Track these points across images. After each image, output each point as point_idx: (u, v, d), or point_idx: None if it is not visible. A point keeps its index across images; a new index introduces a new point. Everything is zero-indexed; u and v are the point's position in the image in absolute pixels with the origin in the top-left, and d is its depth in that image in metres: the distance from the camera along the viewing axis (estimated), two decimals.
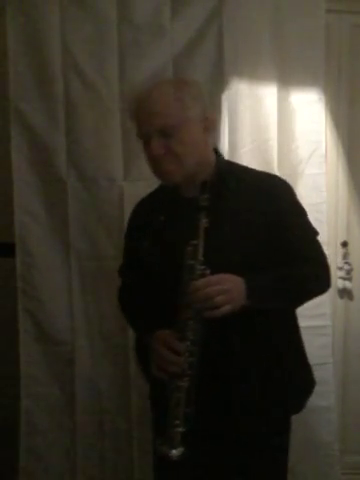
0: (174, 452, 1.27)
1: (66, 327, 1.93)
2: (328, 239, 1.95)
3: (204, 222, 1.23)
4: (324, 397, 1.96)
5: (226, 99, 1.88)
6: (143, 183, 1.87)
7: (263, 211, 1.31)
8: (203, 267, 1.23)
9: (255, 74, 1.90)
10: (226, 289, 1.22)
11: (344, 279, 2.23)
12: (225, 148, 1.90)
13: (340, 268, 2.21)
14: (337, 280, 2.20)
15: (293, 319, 1.45)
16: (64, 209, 1.90)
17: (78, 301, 1.94)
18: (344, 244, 2.22)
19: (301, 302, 1.41)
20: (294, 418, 1.48)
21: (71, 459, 1.97)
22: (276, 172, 1.93)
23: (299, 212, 1.42)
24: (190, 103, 1.31)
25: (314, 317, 1.92)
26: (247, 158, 1.87)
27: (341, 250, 2.21)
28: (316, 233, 1.43)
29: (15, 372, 1.92)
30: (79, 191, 1.90)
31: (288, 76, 1.93)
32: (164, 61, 1.87)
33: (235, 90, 1.89)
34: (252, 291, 1.25)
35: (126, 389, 1.95)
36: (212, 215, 1.24)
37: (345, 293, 2.26)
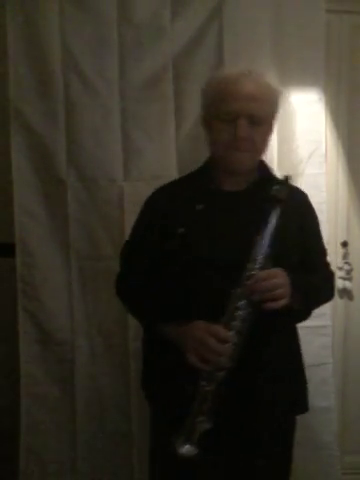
0: (191, 451, 1.23)
1: (66, 327, 1.93)
2: (328, 239, 1.95)
3: (275, 215, 1.24)
4: (324, 397, 1.96)
5: None
6: (143, 183, 1.89)
7: (298, 215, 1.40)
8: (264, 259, 1.24)
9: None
10: (284, 283, 1.25)
11: (344, 279, 2.23)
12: None
13: (340, 268, 2.21)
14: (337, 280, 2.20)
15: None
16: (64, 209, 1.90)
17: (78, 301, 1.94)
18: (344, 244, 2.22)
19: (317, 306, 1.48)
20: None
21: (71, 459, 1.97)
22: (276, 172, 1.93)
23: (318, 223, 1.52)
24: (278, 103, 1.38)
25: (314, 317, 1.89)
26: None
27: (341, 250, 2.21)
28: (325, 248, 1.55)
29: (15, 372, 1.92)
30: (79, 191, 1.90)
31: (288, 76, 1.93)
32: (164, 61, 1.87)
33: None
34: (294, 290, 1.28)
35: (126, 389, 1.95)
36: (258, 210, 1.27)
37: (345, 293, 2.26)
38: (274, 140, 1.93)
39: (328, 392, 1.98)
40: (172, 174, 1.90)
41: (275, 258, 1.26)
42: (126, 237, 1.88)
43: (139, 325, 1.91)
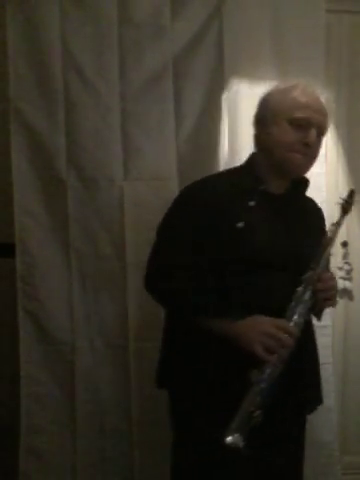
0: (241, 441, 1.22)
1: (66, 327, 1.93)
2: None
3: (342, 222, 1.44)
4: (324, 397, 1.96)
5: (226, 99, 1.89)
6: (143, 183, 1.89)
7: (317, 218, 1.58)
8: (327, 262, 1.42)
9: (255, 74, 1.90)
10: (336, 286, 1.44)
11: (344, 279, 2.23)
12: (225, 148, 1.91)
13: (340, 268, 2.21)
14: (337, 280, 2.19)
15: None
16: (64, 209, 1.90)
17: (78, 301, 1.93)
18: (344, 244, 2.21)
19: None
20: None
21: (71, 459, 1.96)
22: None
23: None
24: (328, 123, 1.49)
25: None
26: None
27: (341, 250, 2.21)
28: None
29: (15, 372, 1.92)
30: (79, 191, 1.90)
31: (288, 76, 1.92)
32: (164, 61, 1.87)
33: (235, 90, 1.89)
34: None
35: (126, 389, 1.95)
36: (295, 212, 1.46)
37: (345, 293, 2.26)
38: None
39: (328, 392, 1.97)
40: (172, 174, 1.90)
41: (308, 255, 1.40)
42: (126, 237, 1.90)
43: (139, 325, 1.93)
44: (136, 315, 1.93)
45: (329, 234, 1.42)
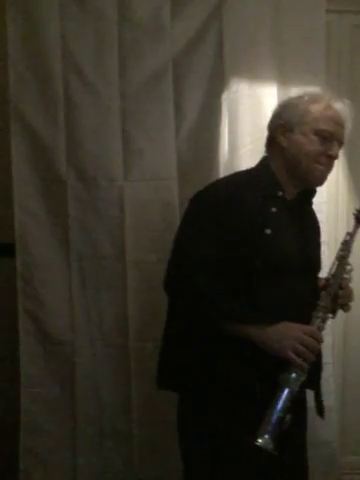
0: (270, 444, 1.25)
1: (66, 327, 1.93)
2: (328, 239, 1.95)
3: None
4: (324, 397, 1.96)
5: (226, 99, 1.89)
6: (143, 183, 1.89)
7: (316, 221, 1.61)
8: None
9: (255, 74, 1.90)
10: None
11: None
12: (225, 148, 1.91)
13: None
14: None
15: None
16: (64, 209, 1.90)
17: (78, 301, 1.94)
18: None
19: None
20: None
21: (71, 459, 1.97)
22: None
23: None
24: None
25: None
26: (247, 158, 1.86)
27: None
28: None
29: (15, 372, 1.92)
30: (79, 191, 1.90)
31: (288, 76, 1.93)
32: (164, 61, 1.87)
33: (235, 90, 1.89)
34: None
35: (126, 389, 1.95)
36: (305, 218, 1.52)
37: None
38: None
39: (328, 392, 1.97)
40: (172, 174, 1.90)
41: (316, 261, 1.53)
42: (126, 237, 1.90)
43: (139, 325, 1.92)
44: (136, 315, 1.93)
45: (345, 244, 1.46)
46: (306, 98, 1.48)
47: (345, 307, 1.48)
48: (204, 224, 1.39)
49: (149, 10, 1.85)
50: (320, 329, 1.37)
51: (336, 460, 2.05)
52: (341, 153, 2.15)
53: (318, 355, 1.43)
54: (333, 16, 2.07)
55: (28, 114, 1.86)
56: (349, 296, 1.47)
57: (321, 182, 1.49)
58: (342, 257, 1.44)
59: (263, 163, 1.51)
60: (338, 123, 1.44)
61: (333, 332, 2.05)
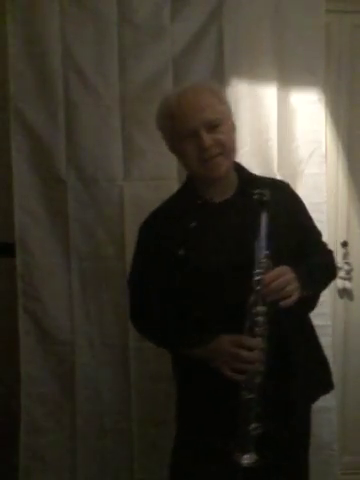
0: (251, 458, 1.27)
1: (66, 327, 1.93)
2: (328, 239, 1.95)
3: (265, 216, 1.29)
4: (324, 397, 1.96)
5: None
6: (143, 183, 1.89)
7: (287, 211, 1.43)
8: (267, 261, 1.29)
9: (255, 74, 1.90)
10: (291, 278, 1.30)
11: (344, 279, 2.23)
12: None
13: (340, 268, 2.21)
14: (337, 280, 2.20)
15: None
16: (64, 209, 1.90)
17: (78, 301, 1.94)
18: (344, 244, 2.22)
19: (326, 286, 1.57)
20: None
21: (71, 459, 1.97)
22: (276, 172, 1.93)
23: (305, 208, 1.56)
24: (223, 100, 1.42)
25: (314, 317, 1.90)
26: (247, 158, 1.86)
27: (341, 250, 2.21)
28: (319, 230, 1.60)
29: (15, 372, 1.92)
30: (79, 191, 1.90)
31: (288, 76, 1.93)
32: (164, 61, 1.87)
33: (235, 90, 1.89)
34: (302, 279, 1.33)
35: (126, 389, 1.95)
36: (250, 214, 1.32)
37: (345, 293, 2.26)
38: (274, 140, 1.94)
39: None
40: (172, 174, 1.90)
41: (276, 254, 1.30)
42: (126, 237, 1.90)
43: None
44: None
45: (256, 236, 1.30)
46: (159, 112, 1.44)
47: (286, 301, 1.29)
48: (136, 256, 1.49)
49: (149, 10, 1.85)
50: (263, 335, 1.28)
51: (336, 460, 2.05)
52: (341, 152, 2.20)
53: (304, 353, 1.40)
54: (333, 16, 2.07)
55: (28, 114, 1.86)
56: (278, 291, 1.28)
57: (219, 173, 1.37)
58: (257, 251, 1.30)
59: (187, 175, 1.50)
60: (191, 112, 1.34)
61: (333, 332, 2.06)
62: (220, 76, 1.88)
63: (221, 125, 1.36)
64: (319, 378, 1.51)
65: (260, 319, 1.27)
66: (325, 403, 1.97)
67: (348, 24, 2.13)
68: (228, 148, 1.37)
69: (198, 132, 1.33)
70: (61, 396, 1.95)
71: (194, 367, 1.39)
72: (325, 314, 1.99)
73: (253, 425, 1.27)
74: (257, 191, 1.30)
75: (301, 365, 1.41)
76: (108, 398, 1.97)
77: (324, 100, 1.97)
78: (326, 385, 1.55)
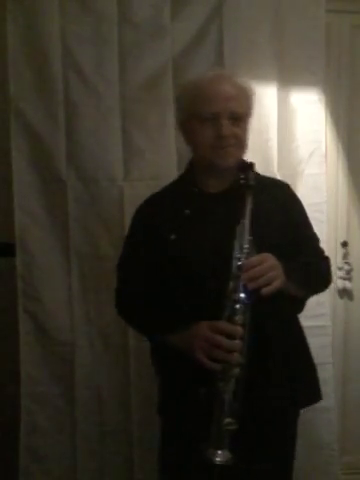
0: (226, 456, 1.20)
1: (66, 327, 1.93)
2: (328, 239, 1.95)
3: (250, 201, 1.29)
4: (324, 397, 1.96)
5: None
6: (143, 183, 1.89)
7: (283, 209, 1.42)
8: (249, 247, 1.26)
9: (255, 74, 1.90)
10: (274, 265, 1.27)
11: (344, 279, 2.23)
12: None
13: (340, 268, 2.21)
14: (337, 280, 2.20)
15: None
16: (64, 209, 1.90)
17: (78, 301, 1.94)
18: (344, 244, 2.22)
19: (316, 289, 1.52)
20: None
21: (71, 459, 1.97)
22: (276, 172, 1.93)
23: (305, 213, 1.53)
24: (250, 98, 1.42)
25: (314, 317, 1.92)
26: (246, 158, 1.86)
27: (341, 250, 2.22)
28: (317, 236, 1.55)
29: (15, 372, 1.92)
30: (79, 191, 1.90)
31: (288, 76, 1.93)
32: (164, 61, 1.87)
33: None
34: (288, 270, 1.29)
35: (126, 389, 1.95)
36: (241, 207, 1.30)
37: (345, 293, 2.26)
38: (274, 140, 1.94)
39: (328, 392, 1.97)
40: (172, 174, 1.89)
41: (259, 243, 1.28)
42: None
43: None
44: None
45: (238, 220, 1.28)
46: (183, 88, 1.44)
47: (268, 288, 1.24)
48: (127, 242, 1.51)
49: (149, 10, 1.85)
50: (242, 322, 1.23)
51: (336, 460, 2.05)
52: (341, 152, 2.20)
53: (287, 351, 1.37)
54: (333, 16, 2.07)
55: (28, 114, 1.86)
56: (258, 278, 1.23)
57: (227, 163, 1.37)
58: (238, 236, 1.28)
59: (187, 164, 1.51)
60: (221, 98, 1.34)
61: (333, 332, 2.06)
62: None
63: (241, 120, 1.38)
64: (305, 385, 1.45)
65: (240, 307, 1.23)
66: (325, 403, 1.97)
67: (348, 24, 2.14)
68: (242, 143, 1.39)
69: (219, 118, 1.34)
70: (61, 396, 1.95)
71: (172, 357, 1.37)
72: (325, 314, 1.99)
73: (227, 420, 1.21)
74: (242, 176, 1.32)
75: (283, 369, 1.36)
76: (108, 398, 1.97)
77: (324, 100, 1.97)
78: (313, 394, 1.49)
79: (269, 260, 1.27)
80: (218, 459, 1.20)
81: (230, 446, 1.22)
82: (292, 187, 1.57)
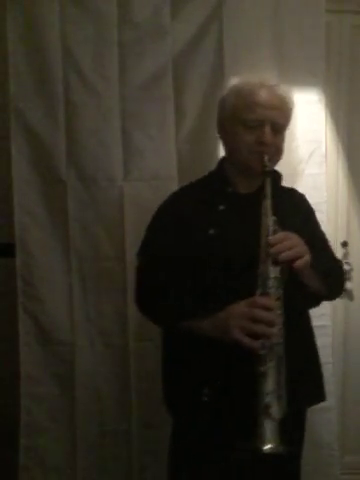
0: (275, 445, 1.13)
1: (66, 327, 1.93)
2: (328, 239, 1.95)
3: (268, 183, 1.33)
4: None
5: None
6: (143, 183, 1.89)
7: (302, 217, 1.48)
8: (275, 225, 1.29)
9: (255, 74, 1.89)
10: (300, 241, 1.29)
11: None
12: None
13: None
14: None
15: None
16: (64, 209, 1.90)
17: (78, 301, 1.94)
18: (344, 244, 2.21)
19: (331, 289, 1.50)
20: None
21: (71, 459, 1.96)
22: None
23: (321, 228, 1.59)
24: (292, 112, 1.47)
25: (314, 317, 1.90)
26: None
27: (341, 250, 2.21)
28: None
29: (15, 372, 1.92)
30: (79, 191, 1.90)
31: (288, 76, 1.92)
32: (164, 61, 1.87)
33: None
34: (312, 258, 1.30)
35: (126, 389, 1.95)
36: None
37: (345, 293, 2.25)
38: None
39: (328, 392, 1.96)
40: (172, 174, 1.90)
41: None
42: (126, 237, 1.90)
43: (139, 325, 1.92)
44: (136, 315, 1.91)
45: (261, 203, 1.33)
46: (230, 91, 1.46)
47: (297, 263, 1.25)
48: (156, 235, 1.47)
49: (149, 10, 1.85)
50: (277, 296, 1.22)
51: (336, 460, 2.05)
52: (341, 152, 2.20)
53: (302, 350, 1.36)
54: (333, 16, 2.07)
55: (28, 114, 1.86)
56: (285, 250, 1.25)
57: (262, 169, 1.39)
58: (263, 215, 1.31)
59: (219, 163, 1.54)
60: (266, 106, 1.38)
61: (333, 332, 2.06)
62: (220, 76, 1.88)
63: (281, 132, 1.43)
64: (314, 384, 1.47)
65: (272, 282, 1.23)
66: (325, 403, 1.97)
67: (348, 24, 2.13)
68: (279, 154, 1.44)
69: (263, 126, 1.37)
70: (61, 396, 1.95)
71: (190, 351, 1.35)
72: (325, 314, 1.99)
73: (274, 407, 1.14)
74: (264, 163, 1.36)
75: (299, 369, 1.35)
76: (108, 398, 1.97)
77: (324, 100, 1.97)
78: (320, 393, 1.50)
79: (295, 237, 1.29)
80: (268, 447, 1.14)
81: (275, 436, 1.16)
82: (292, 187, 1.59)
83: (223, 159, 1.53)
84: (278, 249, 1.24)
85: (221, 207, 1.41)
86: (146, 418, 1.95)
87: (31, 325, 1.92)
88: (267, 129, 1.37)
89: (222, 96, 1.49)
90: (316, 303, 1.52)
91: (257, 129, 1.38)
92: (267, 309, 1.22)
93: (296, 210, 1.48)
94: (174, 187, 1.88)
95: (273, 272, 1.24)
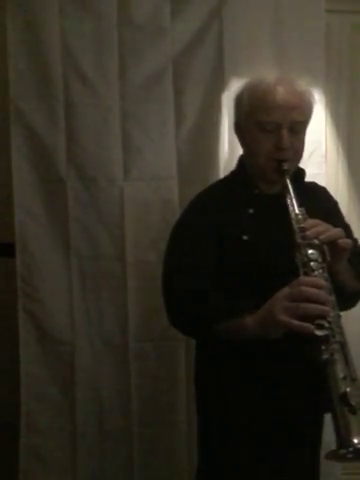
0: None
1: (66, 327, 1.93)
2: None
3: (289, 181, 1.30)
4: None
5: (226, 99, 1.89)
6: (143, 183, 1.89)
7: (323, 204, 1.45)
8: (303, 213, 1.25)
9: (255, 74, 1.89)
10: (332, 226, 1.23)
11: None
12: (225, 148, 1.90)
13: None
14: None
15: None
16: (64, 209, 1.90)
17: (78, 301, 1.93)
18: None
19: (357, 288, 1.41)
20: None
21: (71, 459, 1.96)
22: None
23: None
24: (312, 106, 1.37)
25: None
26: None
27: None
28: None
29: (15, 372, 1.92)
30: (79, 191, 1.90)
31: (288, 76, 1.93)
32: (164, 61, 1.87)
33: (235, 90, 1.89)
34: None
35: (126, 389, 1.95)
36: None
37: None
38: None
39: None
40: (172, 174, 1.90)
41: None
42: (126, 237, 1.90)
43: (139, 325, 1.92)
44: (136, 315, 1.93)
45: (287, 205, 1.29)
46: (245, 89, 1.38)
47: (338, 246, 1.20)
48: (189, 237, 1.37)
49: (149, 10, 1.85)
50: (322, 276, 1.15)
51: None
52: (341, 152, 2.20)
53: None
54: (333, 16, 2.06)
55: (28, 114, 1.86)
56: (323, 232, 1.20)
57: (278, 178, 1.36)
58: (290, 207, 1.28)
59: (239, 163, 1.49)
60: (284, 108, 1.29)
61: None
62: (220, 76, 1.88)
63: (302, 131, 1.35)
64: None
65: (313, 263, 1.15)
66: None
67: (348, 24, 2.13)
68: (299, 157, 1.37)
69: (280, 129, 1.30)
70: (61, 396, 1.95)
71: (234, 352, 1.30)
72: None
73: (353, 394, 1.00)
74: (282, 162, 1.31)
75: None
76: (108, 398, 1.97)
77: (324, 100, 1.97)
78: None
79: (323, 223, 1.23)
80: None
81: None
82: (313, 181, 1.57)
83: (242, 157, 1.48)
84: (316, 231, 1.19)
85: (250, 210, 1.36)
86: (146, 418, 1.95)
87: (31, 325, 1.92)
88: (284, 133, 1.30)
89: (237, 93, 1.43)
90: (353, 303, 1.45)
91: (274, 133, 1.31)
92: (316, 287, 1.11)
93: (320, 204, 1.42)
94: (174, 187, 1.89)
95: (313, 255, 1.17)
